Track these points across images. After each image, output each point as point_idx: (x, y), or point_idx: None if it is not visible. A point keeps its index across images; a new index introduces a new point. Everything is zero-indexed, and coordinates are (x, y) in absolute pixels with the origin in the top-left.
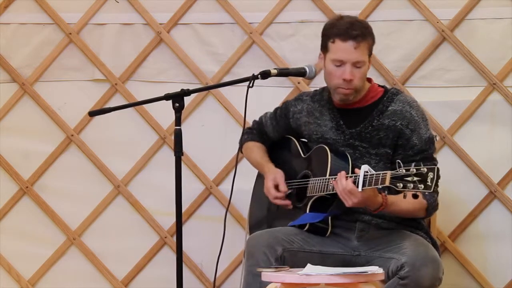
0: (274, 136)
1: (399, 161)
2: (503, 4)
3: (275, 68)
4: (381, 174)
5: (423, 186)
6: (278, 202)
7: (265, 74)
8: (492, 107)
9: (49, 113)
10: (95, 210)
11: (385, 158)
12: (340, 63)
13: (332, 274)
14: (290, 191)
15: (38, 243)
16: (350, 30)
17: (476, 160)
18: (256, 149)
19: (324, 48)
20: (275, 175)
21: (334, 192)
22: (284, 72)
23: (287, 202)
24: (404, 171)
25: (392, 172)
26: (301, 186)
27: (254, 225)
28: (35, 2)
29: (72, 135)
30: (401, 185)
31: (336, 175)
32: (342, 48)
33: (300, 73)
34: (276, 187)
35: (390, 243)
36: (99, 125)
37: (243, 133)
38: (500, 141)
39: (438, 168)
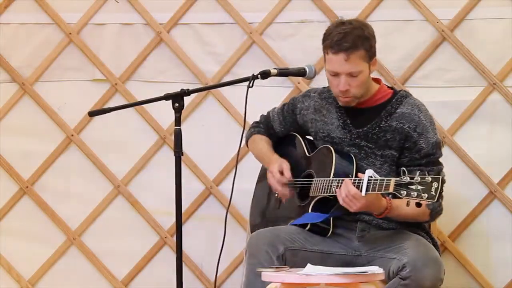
0: (280, 132)
1: (404, 168)
2: (503, 4)
3: (275, 68)
4: (385, 181)
5: (426, 195)
6: (280, 189)
7: (265, 74)
8: (492, 107)
9: (49, 113)
10: (95, 210)
11: (390, 160)
12: (335, 74)
13: (332, 274)
14: (294, 181)
15: (38, 243)
16: (342, 41)
17: (476, 160)
18: (261, 141)
19: (324, 56)
20: (280, 163)
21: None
22: (284, 72)
23: (287, 191)
24: (408, 178)
25: (397, 179)
26: (304, 185)
27: (255, 225)
28: (35, 2)
29: (72, 135)
30: (405, 192)
31: (340, 176)
32: (334, 61)
33: (300, 73)
34: (281, 174)
35: (391, 243)
36: (99, 125)
37: (250, 126)
38: (500, 141)
39: (443, 179)
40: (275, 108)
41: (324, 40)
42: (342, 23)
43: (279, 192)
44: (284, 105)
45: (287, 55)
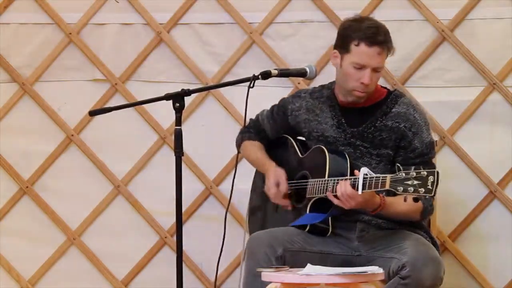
0: (271, 134)
1: (399, 164)
2: (503, 4)
3: (275, 69)
4: (380, 178)
5: (423, 190)
6: (278, 201)
7: (266, 75)
8: (492, 107)
9: (49, 113)
10: (95, 210)
11: (386, 159)
12: (361, 67)
13: (332, 274)
14: (289, 191)
15: (38, 243)
16: (377, 35)
17: (476, 160)
18: (254, 148)
19: (344, 49)
20: (276, 173)
21: (334, 194)
22: (284, 73)
23: (287, 202)
24: (404, 174)
25: (392, 175)
26: (300, 187)
27: (253, 225)
28: (35, 2)
29: (72, 135)
30: (402, 188)
31: (335, 176)
32: (366, 53)
33: (300, 73)
34: (277, 186)
35: (390, 243)
36: (99, 125)
37: (239, 132)
38: (500, 141)
39: (438, 172)
40: (263, 111)
41: (350, 32)
42: (364, 18)
43: (278, 204)
44: (273, 107)
45: (287, 55)
